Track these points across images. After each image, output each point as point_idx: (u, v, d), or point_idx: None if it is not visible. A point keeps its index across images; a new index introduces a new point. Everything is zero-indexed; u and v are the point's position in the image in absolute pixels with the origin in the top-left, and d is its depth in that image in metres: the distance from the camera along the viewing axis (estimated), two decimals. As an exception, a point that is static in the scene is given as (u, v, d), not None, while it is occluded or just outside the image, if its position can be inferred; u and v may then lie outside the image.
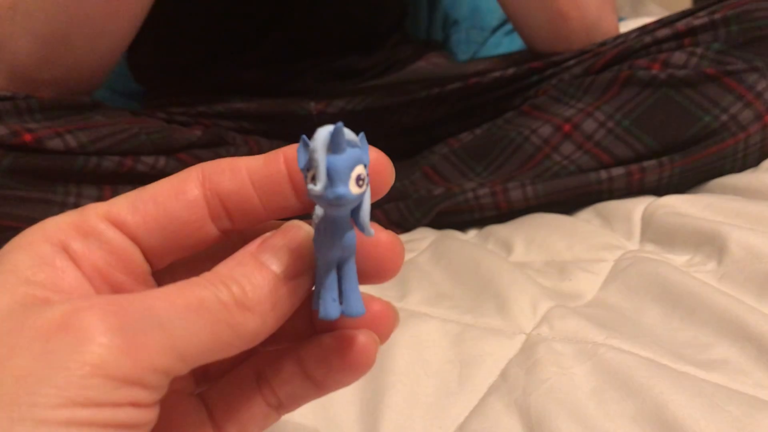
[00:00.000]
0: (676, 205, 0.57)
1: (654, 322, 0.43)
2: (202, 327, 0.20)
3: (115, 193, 0.58)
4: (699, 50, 0.61)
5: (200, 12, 0.76)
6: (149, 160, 0.60)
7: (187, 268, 0.25)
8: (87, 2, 0.59)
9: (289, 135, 0.72)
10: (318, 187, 0.20)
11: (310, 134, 0.22)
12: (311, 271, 0.23)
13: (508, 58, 0.78)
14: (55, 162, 0.56)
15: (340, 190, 0.20)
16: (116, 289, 0.23)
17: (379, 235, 0.24)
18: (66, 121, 0.58)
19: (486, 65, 0.77)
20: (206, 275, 0.22)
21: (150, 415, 0.20)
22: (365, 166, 0.21)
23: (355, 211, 0.22)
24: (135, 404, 0.19)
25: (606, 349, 0.39)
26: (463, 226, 0.65)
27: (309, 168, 0.20)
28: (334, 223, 0.22)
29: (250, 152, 0.69)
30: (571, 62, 0.68)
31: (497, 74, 0.71)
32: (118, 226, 0.23)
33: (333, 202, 0.20)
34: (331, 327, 0.25)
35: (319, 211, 0.23)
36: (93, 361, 0.18)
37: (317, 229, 0.23)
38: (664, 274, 0.46)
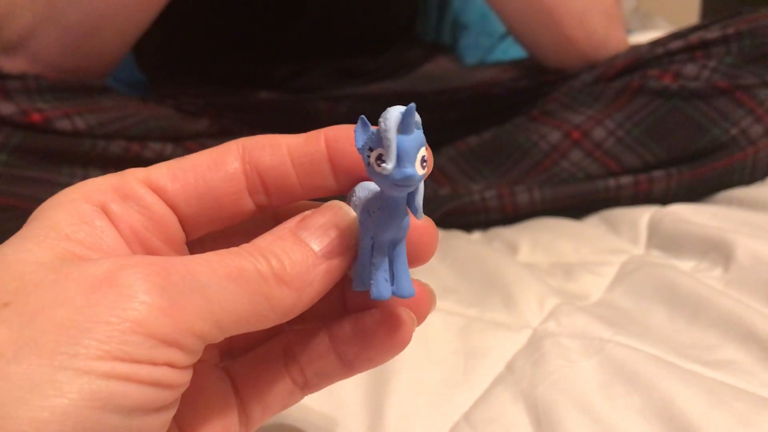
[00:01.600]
0: (683, 213, 0.57)
1: (660, 323, 0.43)
2: (240, 296, 0.20)
3: None
4: (711, 63, 0.61)
5: (210, 5, 0.76)
6: (156, 146, 0.60)
7: (217, 243, 0.25)
8: None
9: (297, 131, 0.72)
10: (389, 167, 0.20)
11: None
12: (349, 252, 0.23)
13: (518, 66, 0.78)
14: (62, 143, 0.56)
15: (409, 170, 0.20)
16: (152, 254, 0.23)
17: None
18: (75, 103, 0.58)
19: (496, 73, 0.77)
20: (245, 247, 0.22)
21: (184, 378, 0.20)
22: (426, 148, 0.21)
23: (411, 194, 0.22)
24: (171, 365, 0.19)
25: (613, 345, 0.38)
26: (467, 228, 0.65)
27: (372, 147, 0.20)
28: (395, 204, 0.22)
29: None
30: (583, 74, 0.68)
31: (509, 85, 0.71)
32: (158, 192, 0.23)
33: (400, 182, 0.20)
34: (366, 306, 0.25)
35: (360, 192, 0.23)
36: (134, 318, 0.18)
37: (366, 211, 0.23)
38: (671, 277, 0.46)
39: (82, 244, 0.21)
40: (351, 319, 0.25)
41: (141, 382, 0.18)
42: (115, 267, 0.19)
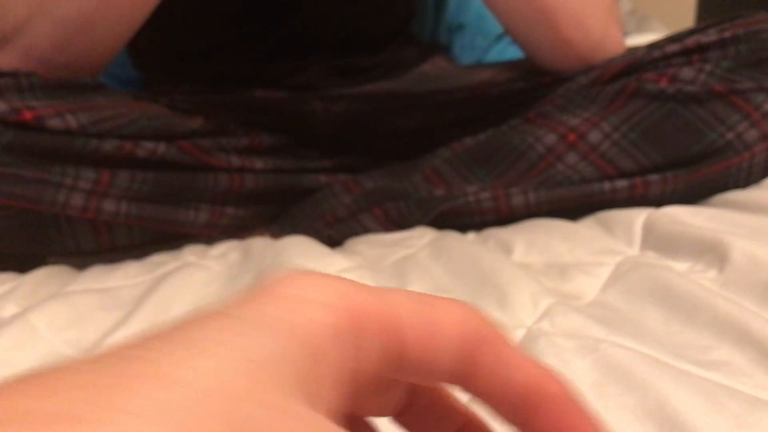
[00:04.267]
0: (678, 214, 0.56)
1: (655, 324, 0.43)
2: None
3: (113, 177, 0.58)
4: (708, 67, 0.61)
5: (205, 2, 0.76)
6: (149, 145, 0.60)
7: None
8: None
9: (292, 130, 0.71)
10: None
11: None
12: None
13: (515, 67, 0.77)
14: (54, 141, 0.56)
15: None
16: (348, 405, 0.18)
17: None
18: (68, 100, 0.58)
19: (492, 73, 0.77)
20: None
21: None
22: None
23: None
24: None
25: (607, 345, 0.38)
26: (462, 229, 0.65)
27: None
28: None
29: (251, 144, 0.68)
30: (580, 76, 0.68)
31: (505, 87, 0.71)
32: (395, 333, 0.18)
33: None
34: None
35: None
36: None
37: None
38: (666, 278, 0.46)
39: (304, 387, 0.16)
40: None
41: None
42: None
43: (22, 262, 0.58)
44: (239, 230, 0.68)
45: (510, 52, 0.91)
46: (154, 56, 0.83)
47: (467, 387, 0.19)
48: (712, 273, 0.49)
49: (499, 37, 0.95)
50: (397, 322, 0.17)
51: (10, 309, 0.48)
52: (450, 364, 0.18)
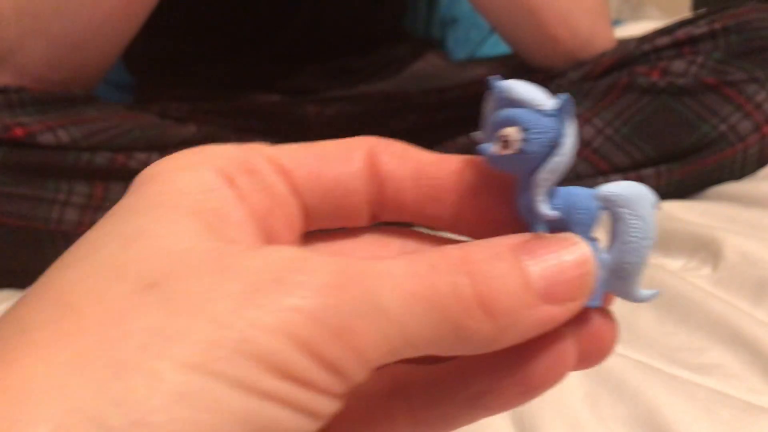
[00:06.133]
0: (673, 209, 0.56)
1: (648, 326, 0.43)
2: (425, 321, 0.16)
3: (106, 190, 0.58)
4: (699, 59, 0.61)
5: (199, 9, 0.76)
6: (142, 156, 0.60)
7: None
8: (108, 4, 0.60)
9: (285, 135, 0.71)
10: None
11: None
12: (573, 304, 0.17)
13: (507, 63, 0.77)
14: (46, 157, 0.56)
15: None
16: (273, 240, 0.20)
17: None
18: (58, 115, 0.58)
19: (485, 70, 0.77)
20: (450, 254, 0.17)
21: (335, 407, 0.16)
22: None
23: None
24: (326, 391, 0.16)
25: (599, 352, 0.38)
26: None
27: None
28: None
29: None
30: (571, 72, 0.68)
31: None
32: (283, 173, 0.20)
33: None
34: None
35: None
36: (300, 336, 0.15)
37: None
38: (659, 278, 0.46)
39: (214, 216, 0.18)
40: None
41: (297, 408, 0.15)
42: (285, 267, 0.16)
43: (21, 278, 0.59)
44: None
45: (504, 45, 0.90)
46: (148, 61, 0.83)
47: (383, 203, 0.21)
48: (706, 270, 0.49)
49: (492, 30, 0.95)
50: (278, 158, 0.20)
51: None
52: (359, 179, 0.20)
